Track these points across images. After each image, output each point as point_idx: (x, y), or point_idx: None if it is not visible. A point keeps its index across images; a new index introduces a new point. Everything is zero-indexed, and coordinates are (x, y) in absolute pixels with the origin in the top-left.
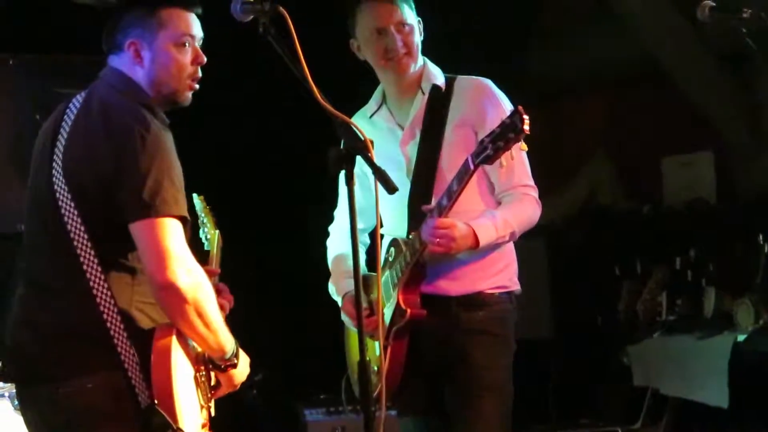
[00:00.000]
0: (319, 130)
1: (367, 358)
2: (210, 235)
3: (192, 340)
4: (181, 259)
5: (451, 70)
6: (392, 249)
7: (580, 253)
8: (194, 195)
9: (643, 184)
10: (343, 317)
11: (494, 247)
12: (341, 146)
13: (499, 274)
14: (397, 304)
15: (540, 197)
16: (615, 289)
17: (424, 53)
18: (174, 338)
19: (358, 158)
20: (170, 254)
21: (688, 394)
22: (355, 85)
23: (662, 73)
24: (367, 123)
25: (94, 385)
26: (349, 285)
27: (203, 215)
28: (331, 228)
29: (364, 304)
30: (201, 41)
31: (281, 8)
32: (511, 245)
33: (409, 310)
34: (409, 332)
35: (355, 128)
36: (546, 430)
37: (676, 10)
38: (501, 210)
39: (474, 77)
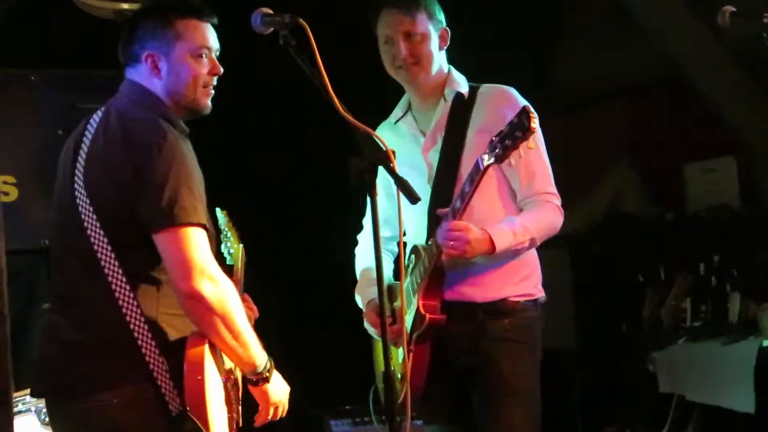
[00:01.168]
0: (344, 139)
1: (392, 367)
2: (233, 249)
3: (221, 351)
4: (205, 268)
5: (475, 79)
6: (413, 255)
7: (603, 260)
8: (217, 209)
9: (666, 191)
10: (366, 326)
11: (516, 253)
12: (363, 156)
13: (524, 282)
14: (417, 309)
15: (563, 205)
16: (639, 295)
17: (449, 62)
18: (207, 347)
19: (383, 169)
20: (193, 263)
21: (714, 400)
22: (383, 95)
23: (684, 80)
24: (391, 129)
25: (120, 400)
26: (374, 293)
27: (226, 229)
28: (359, 237)
29: (387, 313)
30: (218, 52)
31: (301, 20)
32: (534, 253)
33: (427, 316)
34: (431, 338)
35: (376, 139)
36: None
37: (697, 16)
38: (521, 216)
39: (497, 85)
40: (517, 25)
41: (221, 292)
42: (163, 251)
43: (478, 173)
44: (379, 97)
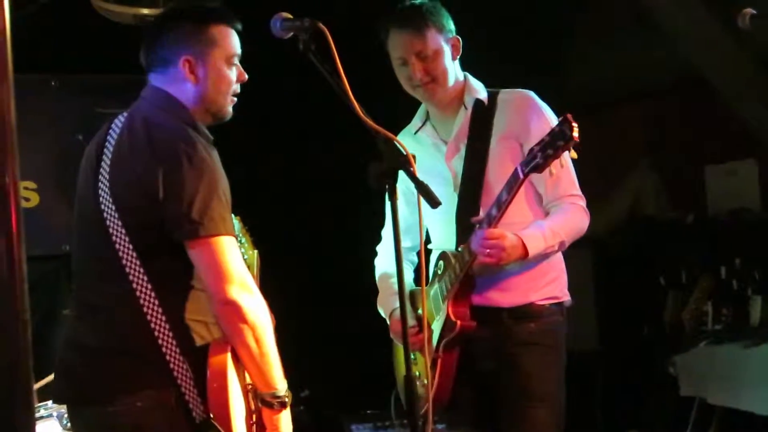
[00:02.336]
0: (362, 145)
1: (417, 372)
2: (248, 255)
3: (244, 364)
4: (242, 279)
5: (492, 83)
6: (441, 262)
7: (625, 263)
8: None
9: (687, 194)
10: (392, 335)
11: (543, 257)
12: (383, 162)
13: (550, 285)
14: (447, 316)
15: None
16: (660, 299)
17: (465, 68)
18: (229, 354)
19: (403, 175)
20: (231, 272)
21: (735, 404)
22: (398, 102)
23: (704, 82)
24: (412, 140)
25: (144, 404)
26: (396, 302)
27: (241, 236)
28: (378, 248)
29: (413, 321)
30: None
31: (321, 25)
32: (560, 256)
33: (459, 322)
34: (459, 345)
35: (397, 143)
36: None
37: (718, 18)
38: (549, 220)
39: (516, 90)
40: (537, 27)
41: (256, 304)
42: (198, 260)
43: (516, 182)
44: (392, 105)
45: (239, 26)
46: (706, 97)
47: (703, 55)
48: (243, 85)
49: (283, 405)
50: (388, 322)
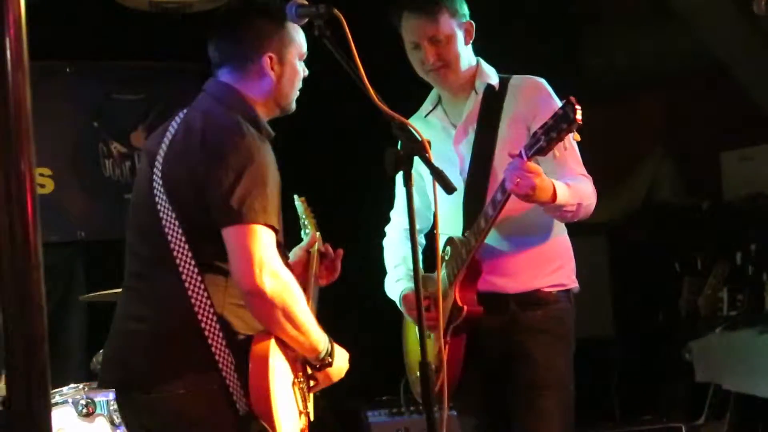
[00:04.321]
0: (375, 129)
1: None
2: (310, 236)
3: (286, 341)
4: (266, 264)
5: (511, 70)
6: (448, 248)
7: (640, 249)
8: (295, 196)
9: (702, 180)
10: (402, 309)
11: (562, 216)
12: (398, 147)
13: (557, 272)
14: (454, 301)
15: (599, 195)
16: (676, 285)
17: (477, 53)
18: (273, 343)
19: (415, 160)
20: (256, 260)
21: (751, 389)
22: (412, 87)
23: (720, 68)
24: (422, 123)
25: (186, 390)
26: (404, 285)
27: (304, 217)
28: (387, 228)
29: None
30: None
31: (336, 10)
32: (567, 243)
33: (465, 308)
34: (467, 330)
35: (412, 129)
36: (610, 427)
37: (734, 3)
38: (570, 182)
39: (527, 76)
40: (553, 14)
41: (281, 284)
42: (228, 246)
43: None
44: (405, 90)
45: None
46: (723, 83)
47: (720, 40)
48: None
49: (327, 365)
50: (398, 303)
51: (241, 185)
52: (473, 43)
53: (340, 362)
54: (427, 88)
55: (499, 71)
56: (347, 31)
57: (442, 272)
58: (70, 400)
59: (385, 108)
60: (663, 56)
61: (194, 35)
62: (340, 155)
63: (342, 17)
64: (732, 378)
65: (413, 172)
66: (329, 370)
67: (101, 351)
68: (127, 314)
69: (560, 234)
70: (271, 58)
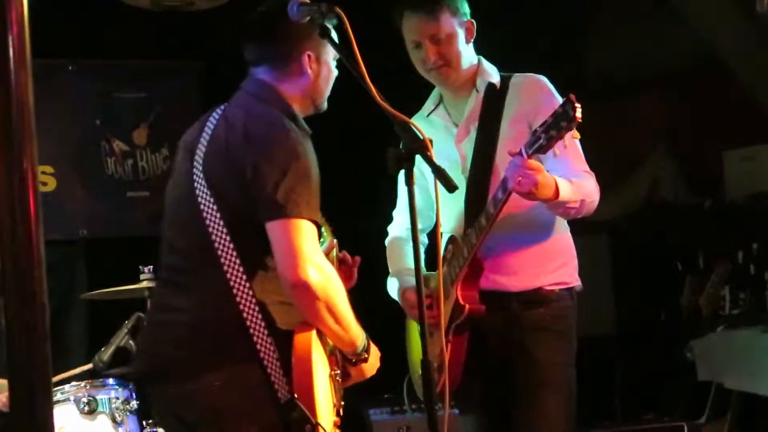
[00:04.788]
0: (375, 130)
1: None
2: (327, 242)
3: (326, 335)
4: (312, 258)
5: (513, 68)
6: (450, 246)
7: (642, 248)
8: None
9: (704, 179)
10: (402, 305)
11: (565, 213)
12: (400, 146)
13: (559, 270)
14: (456, 300)
15: (602, 193)
16: (677, 284)
17: (485, 52)
18: (314, 335)
19: (417, 158)
20: (301, 253)
21: (753, 388)
22: (413, 85)
23: (722, 66)
24: (424, 122)
25: (222, 383)
26: (407, 282)
27: (320, 223)
28: (389, 228)
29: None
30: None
31: (338, 9)
32: (569, 240)
33: (467, 306)
34: (468, 328)
35: (414, 127)
36: (611, 426)
37: (736, 2)
38: (573, 178)
39: (528, 74)
40: (554, 12)
41: (325, 278)
42: (273, 240)
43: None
44: (408, 89)
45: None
46: (725, 82)
47: (722, 39)
48: None
49: (363, 360)
50: (399, 299)
51: (287, 181)
52: (474, 42)
53: (374, 359)
54: (429, 88)
55: (500, 70)
56: (349, 29)
57: (443, 271)
58: (71, 398)
59: (387, 106)
60: (665, 55)
61: (196, 33)
62: (341, 154)
63: (344, 15)
64: (734, 377)
65: (415, 170)
66: (363, 365)
67: (103, 349)
68: (164, 306)
69: (563, 232)
70: (309, 56)
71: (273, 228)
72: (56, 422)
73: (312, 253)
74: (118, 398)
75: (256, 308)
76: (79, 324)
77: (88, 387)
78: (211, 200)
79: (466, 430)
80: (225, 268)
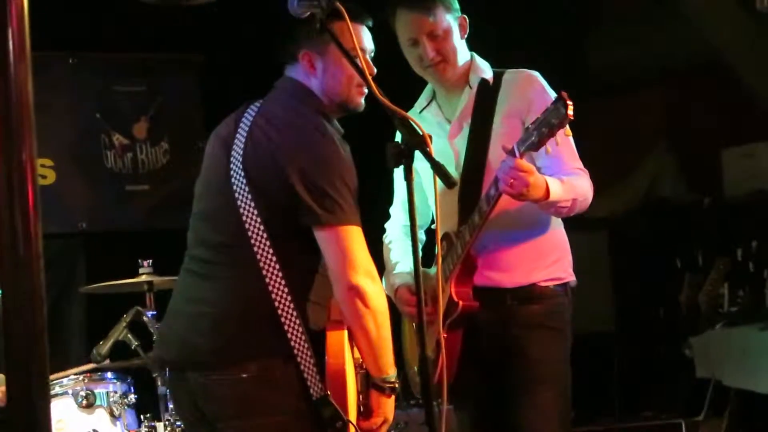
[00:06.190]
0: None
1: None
2: None
3: (361, 348)
4: (368, 267)
5: (514, 65)
6: (443, 242)
7: (641, 245)
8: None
9: (703, 176)
10: (401, 308)
11: (557, 212)
12: (399, 141)
13: (553, 266)
14: (450, 297)
15: (601, 190)
16: (676, 281)
17: (477, 48)
18: (346, 334)
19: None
20: (359, 260)
21: (751, 386)
22: (411, 82)
23: (722, 64)
24: (417, 118)
25: (249, 375)
26: (402, 279)
27: None
28: (387, 225)
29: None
30: (372, 53)
31: (338, 3)
32: (564, 236)
33: (461, 303)
34: (463, 325)
35: (413, 123)
36: (609, 423)
37: (736, 0)
38: (564, 177)
39: (521, 70)
40: (555, 9)
41: (379, 291)
42: (326, 247)
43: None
44: (403, 85)
45: (368, 21)
46: (725, 80)
47: (722, 37)
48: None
49: (393, 391)
50: (393, 297)
51: (332, 186)
52: (468, 39)
53: (390, 408)
54: (422, 84)
55: (500, 67)
56: (349, 23)
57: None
58: (69, 392)
59: (386, 101)
60: (665, 52)
61: (196, 27)
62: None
63: (344, 9)
64: (732, 374)
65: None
66: (383, 399)
67: (101, 342)
68: (190, 297)
69: (556, 227)
70: (307, 55)
71: (324, 234)
72: (54, 416)
73: (367, 262)
74: (116, 392)
75: (292, 305)
76: (78, 317)
77: (86, 380)
78: (249, 196)
79: (461, 425)
80: (261, 264)
